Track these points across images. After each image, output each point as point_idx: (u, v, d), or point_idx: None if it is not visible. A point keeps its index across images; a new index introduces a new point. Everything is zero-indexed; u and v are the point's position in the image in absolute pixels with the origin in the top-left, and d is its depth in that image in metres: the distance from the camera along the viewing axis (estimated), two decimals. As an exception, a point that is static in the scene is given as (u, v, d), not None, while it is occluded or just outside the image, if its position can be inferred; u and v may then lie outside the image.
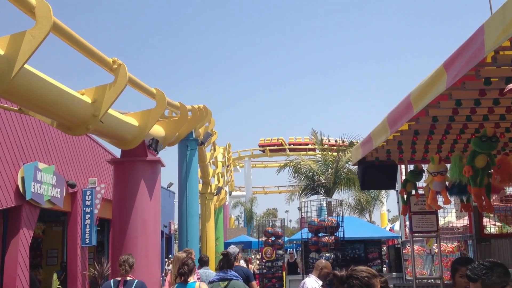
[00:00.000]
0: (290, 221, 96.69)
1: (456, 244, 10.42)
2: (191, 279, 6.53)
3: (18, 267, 13.05)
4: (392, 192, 25.20)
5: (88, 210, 17.42)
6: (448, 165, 6.35)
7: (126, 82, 8.98)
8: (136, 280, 7.16)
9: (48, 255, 18.55)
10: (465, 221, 13.57)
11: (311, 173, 20.71)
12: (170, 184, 34.18)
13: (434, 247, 11.66)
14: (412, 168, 7.64)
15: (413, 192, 7.80)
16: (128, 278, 7.09)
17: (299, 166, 21.34)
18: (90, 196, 17.49)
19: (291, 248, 30.34)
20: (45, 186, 14.24)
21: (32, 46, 6.47)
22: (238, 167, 49.99)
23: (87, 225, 17.36)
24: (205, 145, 22.87)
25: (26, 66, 6.86)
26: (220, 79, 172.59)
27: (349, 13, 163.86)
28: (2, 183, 12.49)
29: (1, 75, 6.44)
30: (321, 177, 20.13)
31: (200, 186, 25.38)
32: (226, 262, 7.24)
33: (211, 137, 22.79)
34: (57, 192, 15.00)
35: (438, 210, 8.44)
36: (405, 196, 7.83)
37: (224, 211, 38.64)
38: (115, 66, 8.90)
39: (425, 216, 8.31)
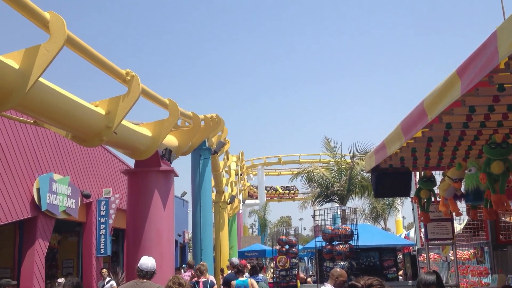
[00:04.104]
0: (304, 228, 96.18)
1: (472, 251, 10.29)
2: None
3: (34, 277, 13.14)
4: (408, 199, 25.02)
5: (102, 220, 17.52)
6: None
7: (139, 93, 9.05)
8: (209, 280, 9.99)
9: (64, 265, 18.65)
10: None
11: (324, 181, 20.59)
12: (184, 193, 34.25)
13: (450, 254, 11.53)
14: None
15: (432, 199, 7.73)
16: (203, 279, 9.87)
17: (312, 174, 21.23)
18: (104, 207, 17.59)
19: (305, 257, 30.11)
20: (60, 197, 14.35)
21: (47, 60, 6.55)
22: (251, 175, 49.93)
23: (102, 235, 17.45)
24: (218, 154, 22.89)
25: (40, 79, 6.94)
26: (233, 87, 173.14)
27: (363, 18, 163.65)
28: (18, 195, 12.62)
29: (16, 89, 6.53)
30: (334, 185, 20.01)
31: (213, 195, 25.37)
32: (254, 271, 10.88)
33: (224, 146, 22.80)
34: (72, 202, 15.10)
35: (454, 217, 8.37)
36: (425, 204, 7.74)
37: (238, 219, 38.58)
38: (128, 77, 8.98)
39: (441, 224, 8.24)
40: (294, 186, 52.17)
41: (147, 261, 6.57)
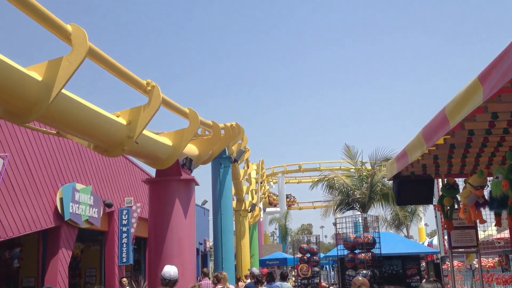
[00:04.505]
0: (326, 236, 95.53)
1: (497, 259, 10.12)
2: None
3: (57, 286, 13.28)
4: (430, 206, 24.75)
5: (124, 229, 17.65)
6: (490, 178, 6.20)
7: (159, 103, 9.12)
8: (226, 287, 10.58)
9: (87, 274, 18.82)
10: (505, 234, 13.19)
11: (345, 188, 20.48)
12: (205, 202, 34.36)
13: (474, 262, 11.36)
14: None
15: (456, 206, 7.64)
16: (219, 287, 10.51)
17: (333, 181, 21.13)
18: (126, 215, 17.74)
19: (327, 265, 29.90)
20: (83, 206, 14.51)
21: (69, 72, 6.66)
22: (271, 183, 49.92)
23: (124, 244, 17.58)
24: (238, 162, 22.94)
25: (63, 90, 7.04)
26: (253, 96, 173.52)
27: (384, 25, 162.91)
28: (42, 205, 12.80)
29: (39, 100, 6.65)
30: (355, 192, 19.88)
31: (234, 203, 25.40)
32: (271, 278, 11.50)
33: (244, 154, 22.84)
34: (94, 212, 15.26)
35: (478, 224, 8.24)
36: (448, 211, 7.65)
37: (258, 227, 38.53)
38: (149, 88, 9.07)
39: (464, 231, 8.11)
40: (290, 194, 52.61)
41: (169, 270, 7.05)
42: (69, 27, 6.75)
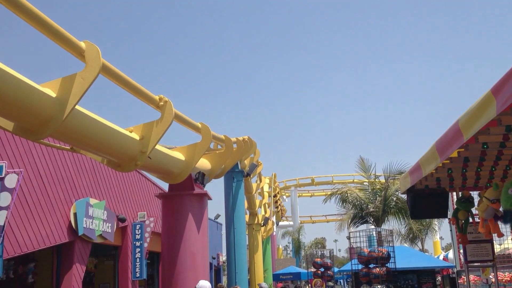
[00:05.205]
0: (340, 250, 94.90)
1: (514, 273, 9.98)
2: None
3: (71, 302, 13.30)
4: (445, 219, 24.43)
5: (138, 243, 17.68)
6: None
7: (172, 118, 9.16)
8: None
9: (101, 289, 18.85)
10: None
11: (358, 202, 20.32)
12: (218, 216, 34.30)
13: (491, 276, 11.19)
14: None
15: (470, 220, 7.56)
16: None
17: (346, 195, 20.98)
18: (139, 230, 17.76)
19: (341, 279, 29.66)
20: (97, 221, 14.56)
21: (83, 88, 6.71)
22: (284, 196, 49.78)
23: (137, 259, 17.59)
24: (251, 176, 22.91)
25: (76, 106, 7.10)
26: (264, 109, 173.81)
27: (394, 42, 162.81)
28: (56, 220, 12.87)
29: (53, 116, 6.70)
30: (369, 206, 19.72)
31: (247, 217, 25.33)
32: None
33: (256, 168, 22.82)
34: (108, 226, 15.30)
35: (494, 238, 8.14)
36: (462, 225, 7.57)
37: (272, 241, 38.35)
38: (162, 103, 9.11)
39: (480, 245, 8.02)
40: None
41: (205, 284, 7.57)
42: (82, 44, 6.82)
